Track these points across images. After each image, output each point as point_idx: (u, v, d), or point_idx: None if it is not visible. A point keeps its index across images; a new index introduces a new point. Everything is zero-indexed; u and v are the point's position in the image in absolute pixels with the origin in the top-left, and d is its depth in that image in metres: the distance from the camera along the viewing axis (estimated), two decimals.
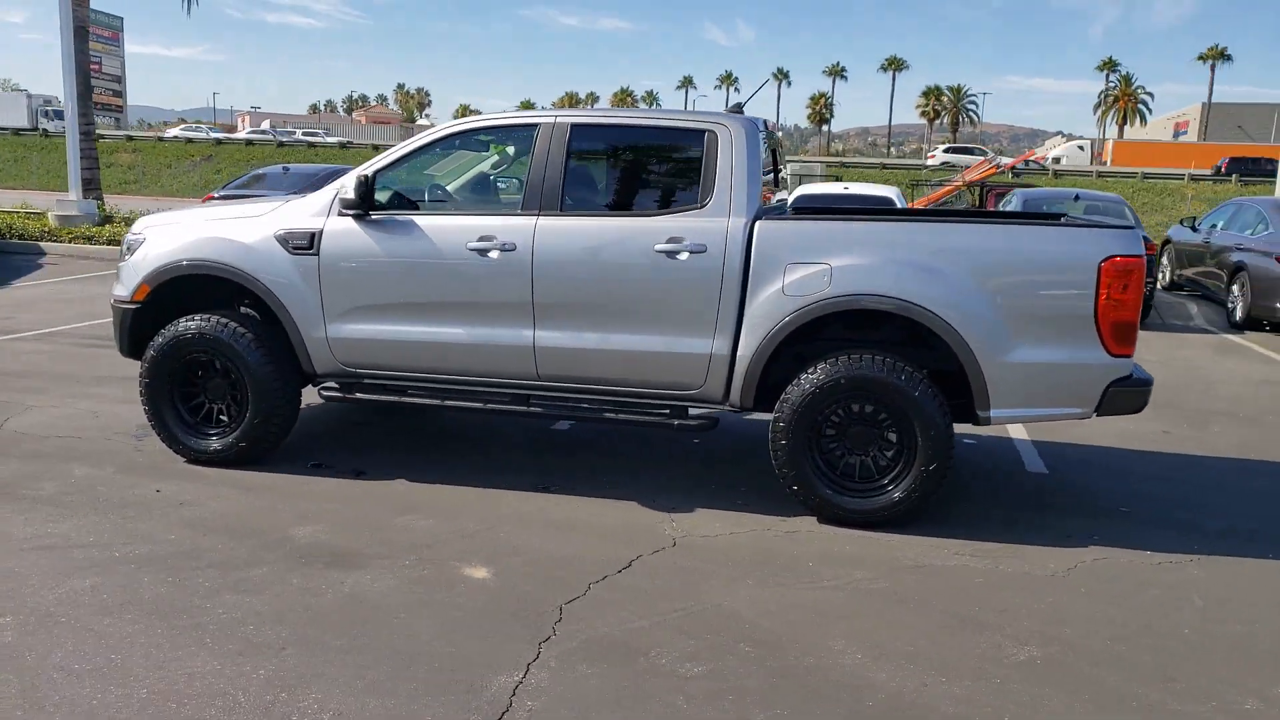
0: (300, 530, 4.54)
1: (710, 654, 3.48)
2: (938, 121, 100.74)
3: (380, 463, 5.57)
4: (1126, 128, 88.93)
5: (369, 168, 5.23)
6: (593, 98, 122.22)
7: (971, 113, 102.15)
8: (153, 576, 3.98)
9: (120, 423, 6.21)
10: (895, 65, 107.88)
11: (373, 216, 5.15)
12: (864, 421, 4.74)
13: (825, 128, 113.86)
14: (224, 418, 5.41)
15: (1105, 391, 4.60)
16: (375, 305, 5.17)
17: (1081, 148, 56.08)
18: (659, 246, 4.82)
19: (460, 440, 6.23)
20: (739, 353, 4.81)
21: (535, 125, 5.13)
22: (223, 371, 5.38)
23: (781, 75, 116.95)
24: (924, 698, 3.24)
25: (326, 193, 5.28)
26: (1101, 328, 4.53)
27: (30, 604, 3.71)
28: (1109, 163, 55.77)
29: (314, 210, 5.27)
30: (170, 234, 5.48)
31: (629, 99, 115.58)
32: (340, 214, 5.18)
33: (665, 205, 4.99)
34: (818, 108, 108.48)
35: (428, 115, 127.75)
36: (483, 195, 5.75)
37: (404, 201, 5.31)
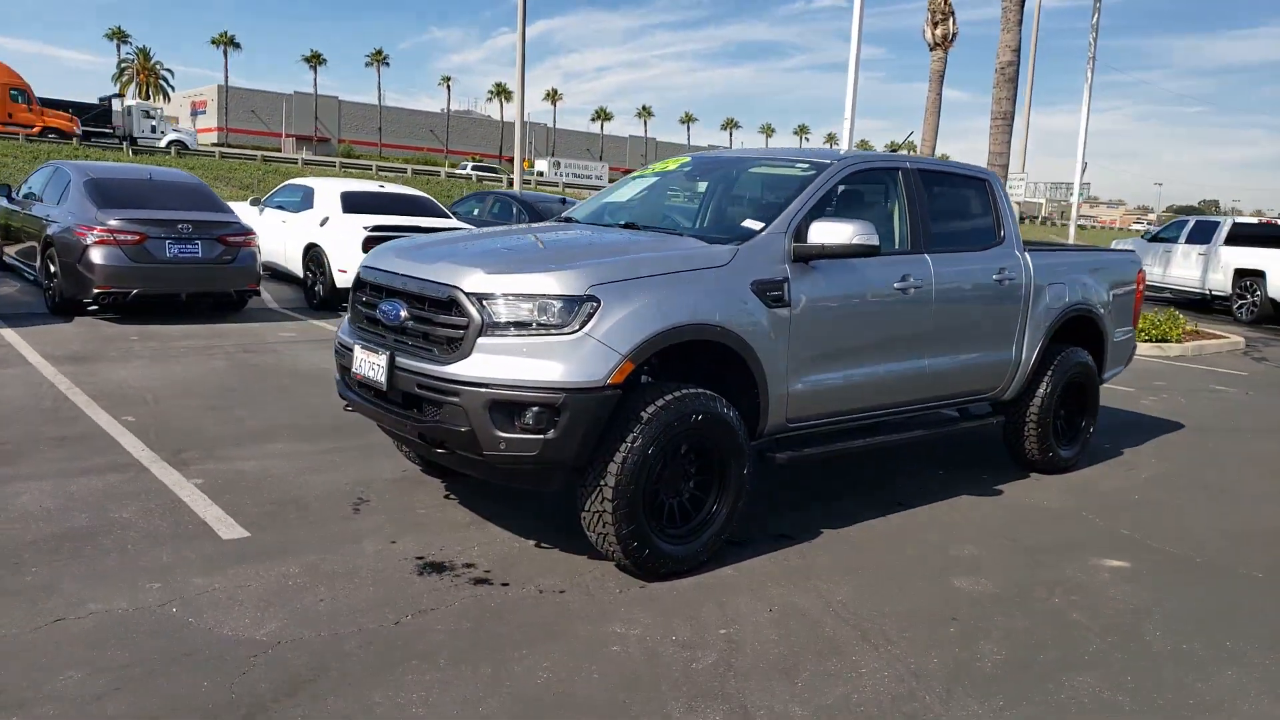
0: (961, 581, 4.51)
1: None
2: None
3: (784, 523, 5.20)
4: (152, 102, 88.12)
5: (802, 207, 4.90)
6: None
7: None
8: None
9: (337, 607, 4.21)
10: None
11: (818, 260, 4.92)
12: (1072, 393, 6.61)
13: None
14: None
15: (1129, 354, 7.38)
16: (828, 352, 4.98)
17: None
18: (995, 276, 5.88)
19: None
20: (1022, 356, 6.18)
21: (896, 169, 5.56)
22: (684, 455, 4.43)
23: None
24: None
25: (772, 236, 4.77)
26: (1134, 313, 7.27)
27: None
28: None
29: (769, 255, 4.74)
30: (637, 291, 4.20)
31: None
32: (795, 259, 4.80)
33: (979, 241, 5.97)
34: None
35: None
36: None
37: None
